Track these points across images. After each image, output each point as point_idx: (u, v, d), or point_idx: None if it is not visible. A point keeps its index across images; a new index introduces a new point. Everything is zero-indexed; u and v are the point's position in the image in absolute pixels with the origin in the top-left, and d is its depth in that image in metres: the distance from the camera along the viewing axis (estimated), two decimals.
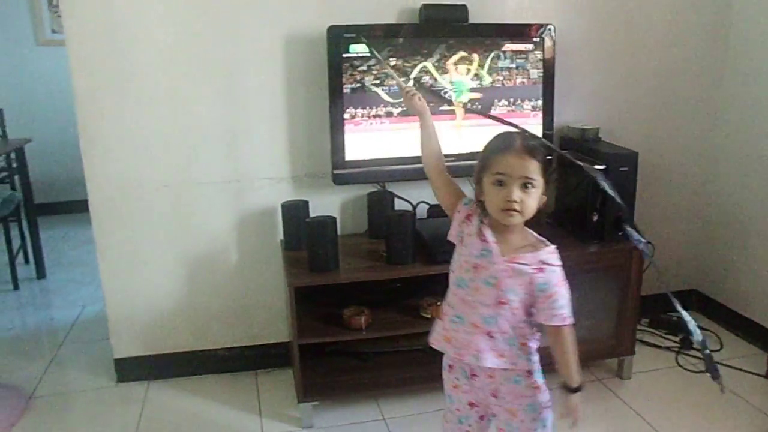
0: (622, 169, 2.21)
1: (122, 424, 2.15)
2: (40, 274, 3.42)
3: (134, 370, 2.37)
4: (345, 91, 2.12)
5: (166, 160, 2.22)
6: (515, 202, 1.31)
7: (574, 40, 2.41)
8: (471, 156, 2.17)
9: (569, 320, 1.37)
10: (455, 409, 1.52)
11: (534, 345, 1.43)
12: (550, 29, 2.25)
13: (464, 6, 2.21)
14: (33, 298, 3.25)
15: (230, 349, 2.42)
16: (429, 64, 2.17)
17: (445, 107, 2.18)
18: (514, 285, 1.36)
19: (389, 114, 2.17)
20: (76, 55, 2.08)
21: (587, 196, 2.22)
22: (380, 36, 2.12)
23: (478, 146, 1.42)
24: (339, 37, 2.08)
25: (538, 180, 1.33)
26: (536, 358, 1.43)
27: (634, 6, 2.48)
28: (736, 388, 2.29)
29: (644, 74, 2.57)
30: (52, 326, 2.91)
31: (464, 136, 2.24)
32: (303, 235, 2.13)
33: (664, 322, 2.71)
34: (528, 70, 2.26)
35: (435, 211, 2.33)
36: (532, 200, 1.33)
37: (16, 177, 3.38)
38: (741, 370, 2.40)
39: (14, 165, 3.33)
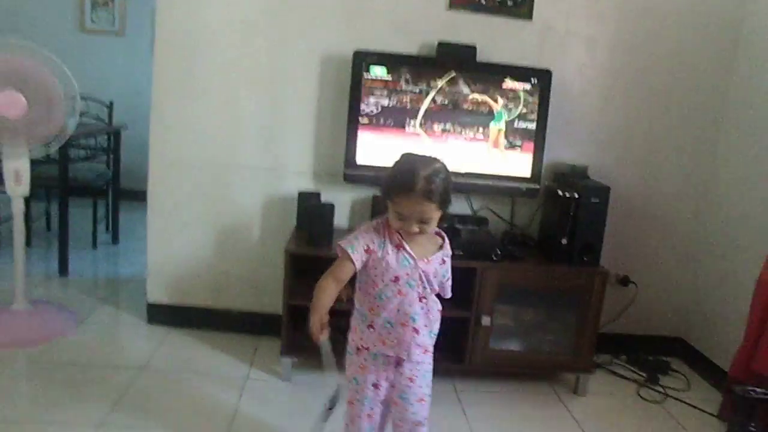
0: (593, 200, 2.46)
1: (141, 355, 2.58)
2: (115, 240, 4.05)
3: (161, 315, 2.83)
4: (362, 105, 2.54)
5: (215, 145, 2.71)
6: (413, 231, 1.55)
7: (577, 84, 2.72)
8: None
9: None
10: (359, 390, 1.70)
11: (437, 326, 1.71)
12: (548, 73, 2.59)
13: (474, 47, 2.60)
14: (105, 257, 3.86)
15: (242, 312, 2.83)
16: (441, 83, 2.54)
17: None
18: (430, 281, 1.63)
19: (399, 128, 2.57)
20: (159, 68, 2.65)
21: (558, 222, 2.49)
22: (398, 63, 2.54)
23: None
24: (362, 60, 2.52)
25: (435, 215, 1.54)
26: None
27: (637, 59, 2.75)
28: (687, 424, 2.41)
29: (642, 121, 2.81)
30: (114, 278, 3.50)
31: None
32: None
33: (640, 361, 2.84)
34: (524, 110, 2.59)
35: None
36: (430, 226, 1.56)
37: (111, 158, 4.05)
38: (695, 407, 2.51)
39: (112, 146, 4.01)
